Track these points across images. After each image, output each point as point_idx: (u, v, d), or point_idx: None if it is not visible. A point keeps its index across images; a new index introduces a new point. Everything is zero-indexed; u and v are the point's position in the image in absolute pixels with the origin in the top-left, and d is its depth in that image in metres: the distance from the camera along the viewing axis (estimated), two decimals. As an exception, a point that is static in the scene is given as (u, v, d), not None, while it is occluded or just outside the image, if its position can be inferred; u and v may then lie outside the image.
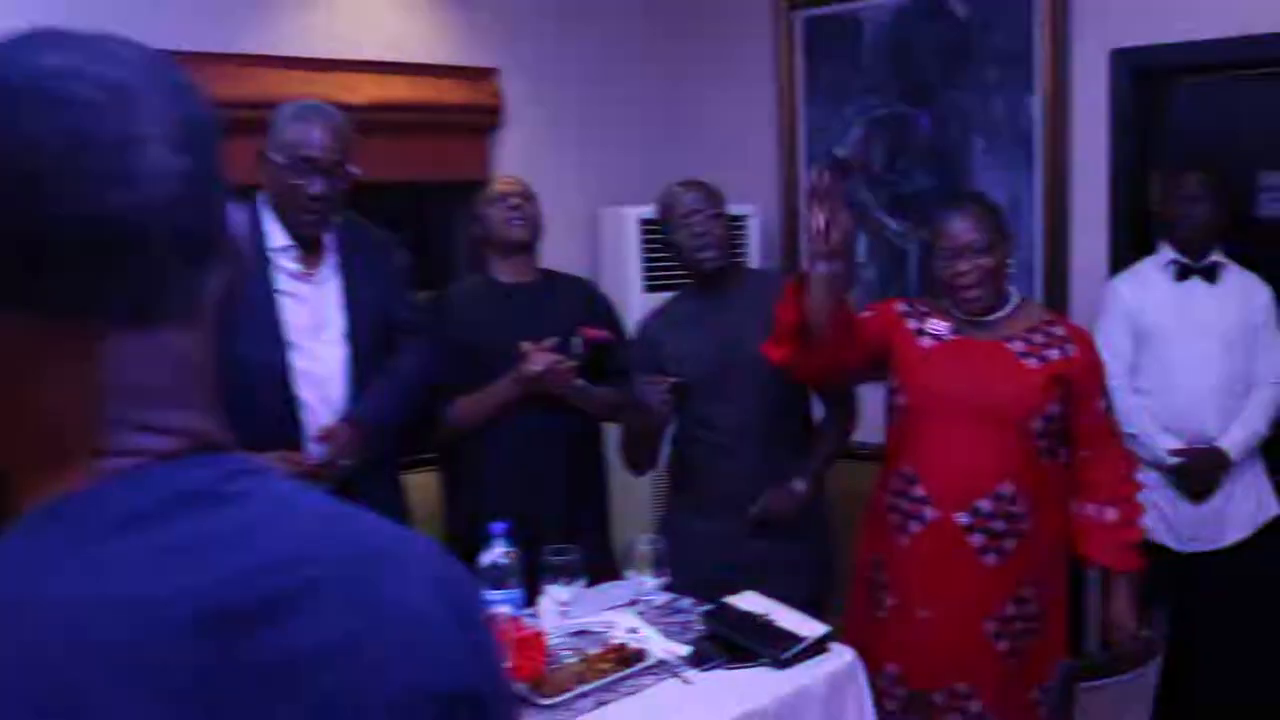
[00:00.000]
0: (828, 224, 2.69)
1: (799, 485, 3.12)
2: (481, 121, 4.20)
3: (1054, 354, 2.83)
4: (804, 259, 4.45)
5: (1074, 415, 2.85)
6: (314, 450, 2.75)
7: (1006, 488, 2.78)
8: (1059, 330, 2.90)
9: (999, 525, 2.79)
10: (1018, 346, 2.84)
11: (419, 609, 0.73)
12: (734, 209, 3.61)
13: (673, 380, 3.02)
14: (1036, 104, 3.91)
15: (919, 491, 2.86)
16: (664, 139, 4.71)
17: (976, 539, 2.80)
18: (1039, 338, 2.86)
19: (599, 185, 4.50)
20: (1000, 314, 2.89)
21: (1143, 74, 3.77)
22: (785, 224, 4.57)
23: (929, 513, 2.84)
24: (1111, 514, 2.84)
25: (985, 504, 2.79)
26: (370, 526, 0.77)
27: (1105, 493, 2.86)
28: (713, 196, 3.16)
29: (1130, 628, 2.86)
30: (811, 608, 2.79)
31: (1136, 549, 2.89)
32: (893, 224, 4.30)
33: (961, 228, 2.84)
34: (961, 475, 2.81)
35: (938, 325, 2.91)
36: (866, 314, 3.06)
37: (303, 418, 2.77)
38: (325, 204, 2.75)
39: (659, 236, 3.31)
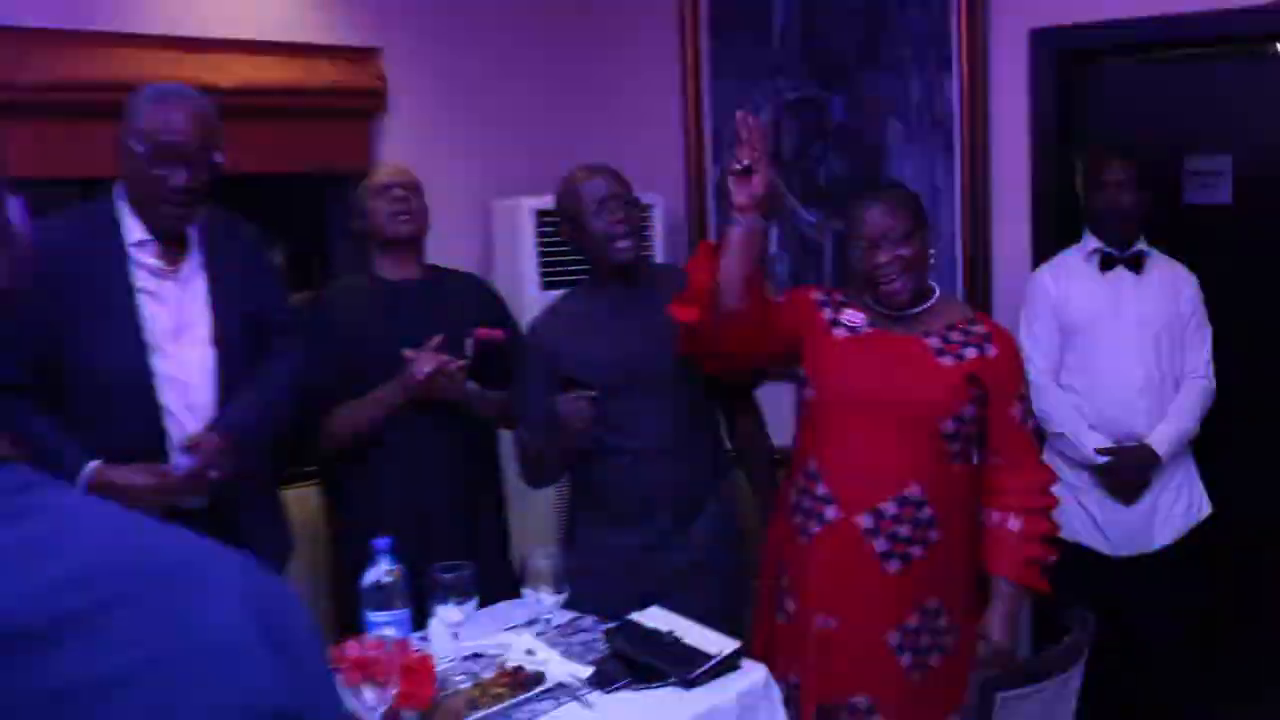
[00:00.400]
0: (749, 169, 2.73)
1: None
2: (363, 106, 4.17)
3: (971, 352, 2.88)
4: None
5: (988, 418, 2.89)
6: (180, 461, 2.71)
7: (913, 491, 2.81)
8: (980, 328, 2.95)
9: (904, 530, 2.82)
10: (934, 343, 2.88)
11: (225, 627, 0.73)
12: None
13: (592, 394, 3.01)
14: (954, 86, 4.00)
15: (821, 490, 2.89)
16: (561, 124, 4.71)
17: (879, 544, 2.83)
18: (957, 335, 2.90)
19: (491, 174, 4.49)
20: (921, 308, 2.93)
21: (1064, 54, 3.88)
22: (691, 214, 4.62)
23: (830, 513, 2.87)
24: (1014, 524, 2.86)
25: (889, 507, 2.82)
26: (171, 541, 0.76)
27: (1011, 501, 2.88)
28: (624, 181, 3.14)
29: (1000, 644, 2.85)
30: (726, 622, 2.81)
31: (1038, 566, 2.88)
32: (806, 214, 4.37)
33: (878, 215, 2.86)
34: (865, 475, 2.84)
35: (853, 316, 2.95)
36: (781, 299, 3.10)
37: (167, 426, 2.73)
38: (189, 196, 2.72)
39: (562, 228, 3.24)
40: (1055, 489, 2.99)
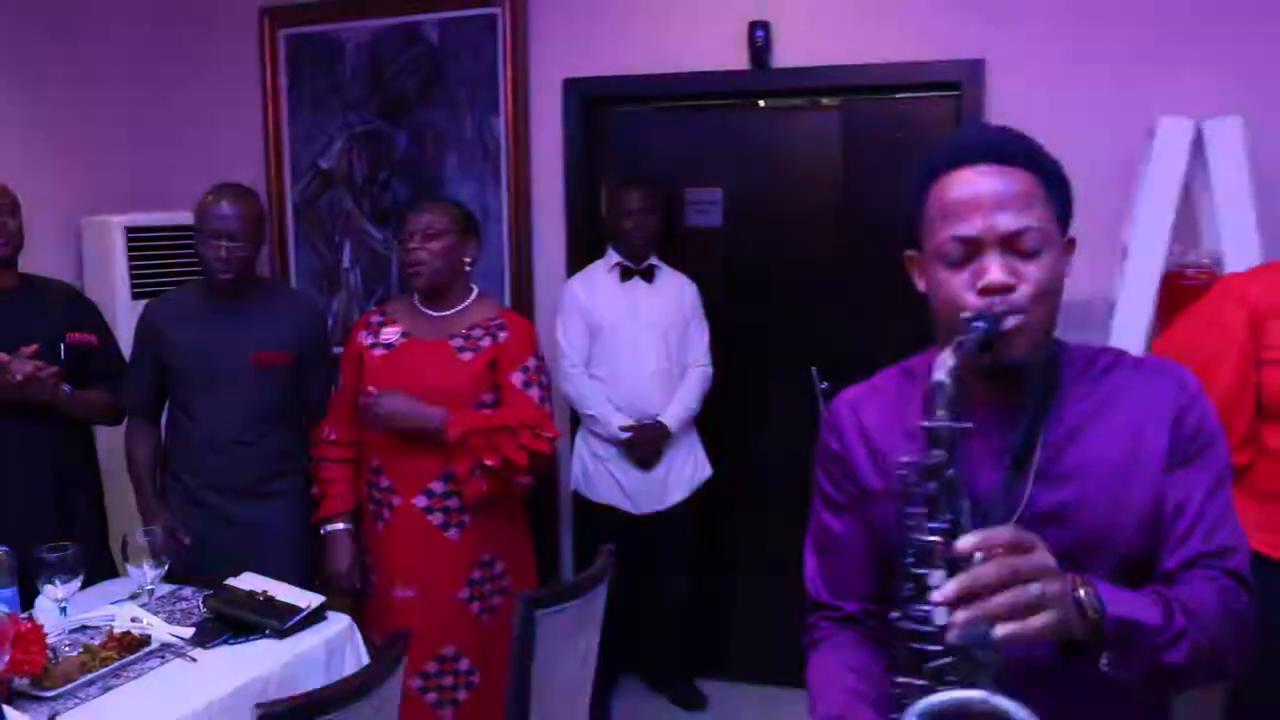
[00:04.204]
0: None
1: None
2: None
3: (487, 342, 3.18)
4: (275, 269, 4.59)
5: (500, 387, 3.16)
6: None
7: (456, 468, 3.10)
8: (499, 321, 3.23)
9: (453, 503, 3.14)
10: (457, 343, 3.18)
11: None
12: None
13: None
14: (501, 124, 4.30)
15: (384, 482, 3.18)
16: (153, 147, 4.67)
17: (436, 518, 3.14)
18: (478, 332, 3.19)
19: (82, 193, 4.39)
20: (452, 310, 3.22)
21: (590, 100, 4.25)
22: (269, 236, 4.66)
23: (395, 500, 3.16)
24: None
25: (437, 486, 3.14)
26: None
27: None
28: (244, 217, 3.16)
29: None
30: (303, 585, 2.96)
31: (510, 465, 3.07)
32: (375, 232, 4.55)
33: (422, 215, 3.18)
34: (414, 463, 3.14)
35: (389, 334, 3.23)
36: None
37: None
38: None
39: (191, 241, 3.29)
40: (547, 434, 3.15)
